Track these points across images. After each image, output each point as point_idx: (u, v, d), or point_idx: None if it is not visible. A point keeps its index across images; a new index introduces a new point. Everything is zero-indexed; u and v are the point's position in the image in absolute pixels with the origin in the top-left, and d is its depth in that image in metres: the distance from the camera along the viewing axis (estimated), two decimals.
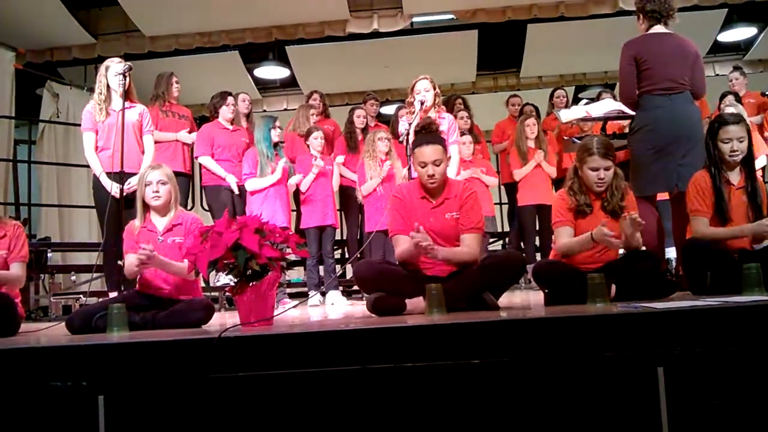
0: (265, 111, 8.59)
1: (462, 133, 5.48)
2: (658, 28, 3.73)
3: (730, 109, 5.31)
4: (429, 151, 3.08)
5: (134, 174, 3.97)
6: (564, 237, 3.14)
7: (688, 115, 3.63)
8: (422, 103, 4.29)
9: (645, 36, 3.74)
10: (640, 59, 3.65)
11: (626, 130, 4.03)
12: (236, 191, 5.17)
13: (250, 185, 4.99)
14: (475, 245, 3.08)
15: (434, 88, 4.42)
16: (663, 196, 4.01)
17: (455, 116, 5.61)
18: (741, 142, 3.19)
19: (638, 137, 3.67)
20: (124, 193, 3.91)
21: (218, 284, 4.91)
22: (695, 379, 1.94)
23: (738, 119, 3.27)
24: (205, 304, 3.13)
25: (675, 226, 3.71)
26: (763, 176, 5.87)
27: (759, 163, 5.65)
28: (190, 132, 5.41)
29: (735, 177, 3.24)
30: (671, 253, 4.25)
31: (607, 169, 3.10)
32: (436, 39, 7.79)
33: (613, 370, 1.95)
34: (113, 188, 4.04)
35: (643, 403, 1.92)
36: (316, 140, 5.22)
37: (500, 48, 8.29)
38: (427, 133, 3.19)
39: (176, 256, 3.19)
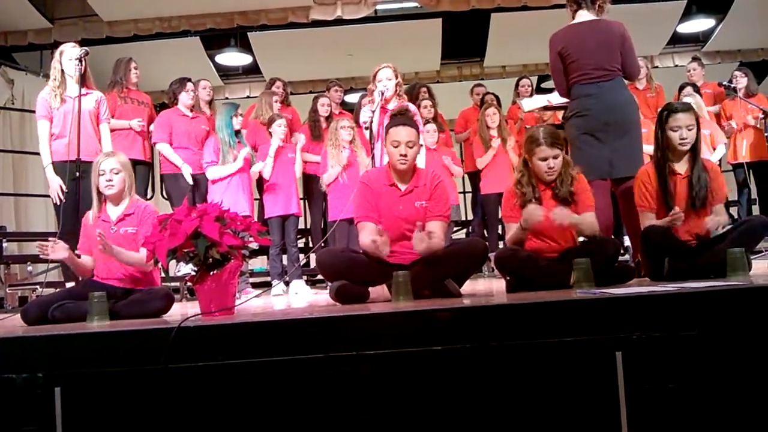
0: (227, 98, 8.48)
1: (426, 122, 5.49)
2: (582, 15, 3.70)
3: (688, 99, 5.40)
4: (404, 132, 3.09)
5: (91, 162, 3.89)
6: (510, 232, 3.21)
7: (619, 102, 3.63)
8: (382, 93, 4.27)
9: (567, 28, 3.72)
10: (564, 53, 3.65)
11: None
12: (190, 182, 5.09)
13: (212, 173, 4.92)
14: (441, 233, 3.09)
15: (396, 77, 4.40)
16: None
17: (419, 105, 5.61)
18: (690, 130, 3.22)
19: (570, 122, 3.68)
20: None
21: (179, 274, 4.85)
22: (652, 364, 1.97)
23: (687, 107, 3.29)
24: (164, 294, 3.09)
25: (624, 214, 3.75)
26: (720, 165, 6.00)
27: (719, 153, 5.79)
28: (150, 119, 5.32)
29: (682, 166, 3.26)
30: (625, 240, 4.31)
31: (555, 157, 3.13)
32: (400, 27, 7.77)
33: (573, 355, 1.97)
34: (54, 182, 4.00)
35: (601, 386, 1.95)
36: (280, 128, 5.17)
37: (464, 37, 8.31)
38: (403, 116, 3.22)
39: (129, 246, 3.15)
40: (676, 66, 8.41)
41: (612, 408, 1.94)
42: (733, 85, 5.87)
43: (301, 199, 5.64)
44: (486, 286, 4.03)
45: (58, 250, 3.09)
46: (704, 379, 1.98)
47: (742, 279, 2.66)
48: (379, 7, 7.42)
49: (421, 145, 3.54)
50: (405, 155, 3.08)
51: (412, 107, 4.52)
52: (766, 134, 5.24)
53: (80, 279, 3.42)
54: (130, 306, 3.00)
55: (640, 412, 1.95)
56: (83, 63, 4.00)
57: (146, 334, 2.07)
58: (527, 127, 5.75)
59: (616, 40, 3.66)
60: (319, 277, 5.46)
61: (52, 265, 5.09)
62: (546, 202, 3.18)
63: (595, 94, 3.60)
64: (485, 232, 6.07)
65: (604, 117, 3.57)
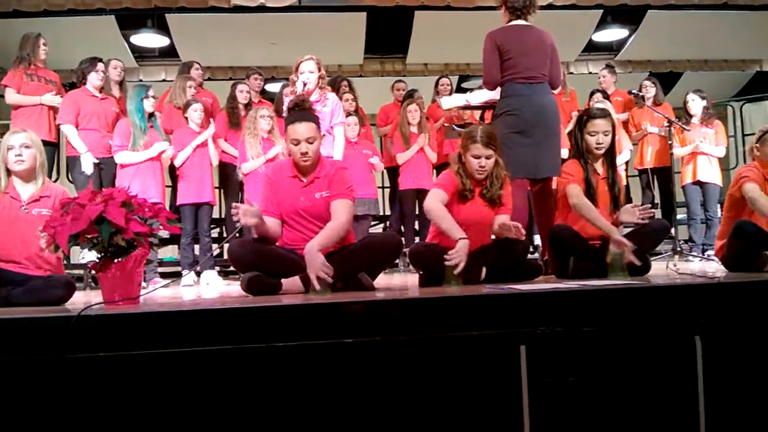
0: (141, 81, 8.15)
1: (348, 114, 5.47)
2: (519, 21, 3.82)
3: (598, 106, 5.60)
4: (302, 128, 3.02)
5: None
6: (436, 197, 3.18)
7: (547, 105, 3.75)
8: (304, 85, 4.23)
9: (507, 27, 3.83)
10: (502, 49, 3.73)
11: None
12: (89, 171, 4.88)
13: (121, 158, 4.73)
14: (343, 212, 3.02)
15: (319, 70, 4.36)
16: None
17: (340, 98, 5.60)
18: (606, 135, 3.40)
19: (500, 120, 3.76)
20: None
21: (83, 261, 4.65)
22: (554, 357, 2.04)
23: (605, 113, 3.47)
24: (64, 281, 2.96)
25: (537, 213, 3.88)
26: (626, 169, 6.28)
27: (623, 158, 6.04)
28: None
29: (599, 168, 3.45)
30: (536, 239, 4.45)
31: (488, 157, 3.19)
32: (325, 18, 7.71)
33: (480, 349, 2.02)
34: None
35: (506, 379, 2.00)
36: (196, 112, 5.04)
37: (388, 33, 8.33)
38: (300, 110, 3.13)
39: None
40: (591, 73, 8.70)
41: (515, 399, 2.00)
42: (642, 94, 6.14)
43: (216, 188, 5.53)
44: (401, 281, 4.07)
45: None
46: (602, 373, 2.06)
47: (622, 278, 2.85)
48: None
49: (324, 135, 3.48)
50: (306, 153, 3.02)
51: (332, 97, 4.50)
52: (670, 142, 5.50)
53: None
54: (27, 294, 2.85)
55: (542, 404, 2.01)
56: None
57: (44, 323, 1.97)
58: (445, 125, 5.85)
59: (548, 48, 3.80)
60: (233, 268, 5.37)
61: None
62: (475, 199, 3.24)
63: (526, 94, 3.70)
64: (402, 227, 6.11)
65: (533, 118, 3.68)
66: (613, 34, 8.45)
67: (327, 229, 2.97)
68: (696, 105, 5.95)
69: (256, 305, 2.10)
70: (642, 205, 5.55)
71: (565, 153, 4.37)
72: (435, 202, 3.16)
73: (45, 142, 4.81)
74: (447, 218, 3.10)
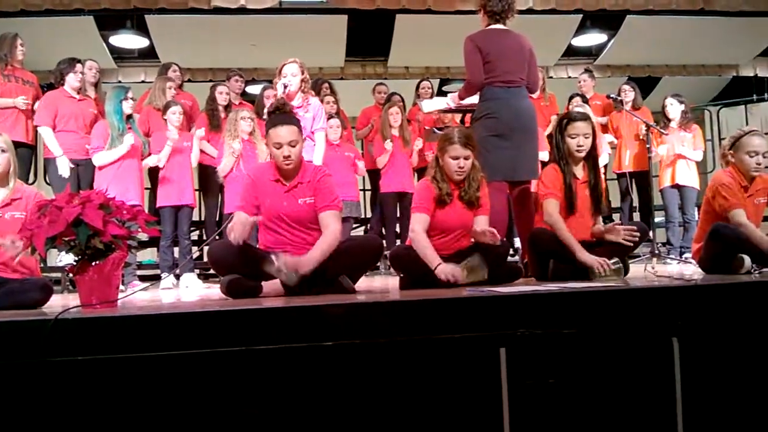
0: (120, 82, 8.09)
1: (329, 117, 5.47)
2: (497, 26, 3.86)
3: (578, 110, 5.65)
4: (284, 132, 3.02)
5: None
6: (419, 224, 3.18)
7: (525, 109, 3.78)
8: (285, 87, 4.22)
9: (486, 31, 3.86)
10: (482, 51, 3.76)
11: None
12: (66, 174, 4.81)
13: (98, 159, 4.68)
14: (333, 222, 3.05)
15: (302, 73, 4.36)
16: None
17: (321, 100, 5.58)
18: (587, 138, 3.42)
19: (479, 123, 3.78)
20: None
21: (60, 264, 4.60)
22: (534, 360, 2.05)
23: (585, 117, 3.50)
24: (42, 284, 2.92)
25: (516, 216, 3.90)
26: (605, 173, 6.33)
27: (602, 161, 6.07)
28: (35, 99, 5.03)
29: (579, 172, 3.47)
30: (516, 242, 4.47)
31: (466, 158, 3.21)
32: (306, 21, 7.69)
33: (460, 351, 2.02)
34: None
35: (485, 381, 2.01)
36: (175, 115, 5.00)
37: (369, 35, 8.34)
38: (281, 113, 3.13)
39: (14, 232, 2.96)
40: (570, 77, 8.77)
41: (495, 401, 2.00)
42: (620, 98, 6.20)
43: (196, 190, 5.49)
44: (382, 283, 4.07)
45: None
46: (581, 375, 2.08)
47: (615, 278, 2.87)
48: None
49: (305, 139, 3.47)
50: (288, 156, 3.02)
51: (314, 102, 4.49)
52: (648, 146, 5.56)
53: None
54: (3, 297, 2.80)
55: (522, 406, 2.02)
56: None
57: (21, 326, 1.95)
58: (426, 128, 5.86)
59: (526, 52, 3.83)
60: (213, 271, 5.33)
61: None
62: (453, 202, 3.25)
63: (504, 98, 3.73)
64: (383, 230, 6.11)
65: (511, 121, 3.70)
66: (592, 38, 8.53)
67: (323, 243, 2.98)
68: (674, 109, 6.01)
69: (236, 308, 2.09)
70: (620, 207, 5.61)
71: (544, 156, 4.39)
72: (419, 231, 3.16)
73: (22, 144, 4.81)
74: (428, 250, 3.10)
